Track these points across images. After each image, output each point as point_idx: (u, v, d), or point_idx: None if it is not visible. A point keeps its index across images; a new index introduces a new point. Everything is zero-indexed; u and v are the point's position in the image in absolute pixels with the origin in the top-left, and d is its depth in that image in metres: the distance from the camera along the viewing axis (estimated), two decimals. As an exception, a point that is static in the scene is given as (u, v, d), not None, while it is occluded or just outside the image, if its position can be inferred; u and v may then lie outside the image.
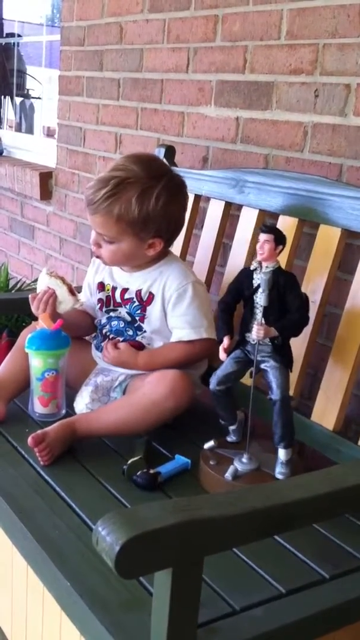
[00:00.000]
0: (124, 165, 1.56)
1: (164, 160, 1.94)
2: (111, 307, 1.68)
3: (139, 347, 1.63)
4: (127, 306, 1.64)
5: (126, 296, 1.65)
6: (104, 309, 1.69)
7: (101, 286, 1.70)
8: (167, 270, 1.62)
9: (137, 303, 1.63)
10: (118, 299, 1.66)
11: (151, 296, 1.62)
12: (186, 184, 1.63)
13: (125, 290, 1.65)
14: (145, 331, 1.63)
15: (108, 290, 1.68)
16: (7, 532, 1.33)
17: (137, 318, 1.63)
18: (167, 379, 1.50)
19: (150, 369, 1.56)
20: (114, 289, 1.67)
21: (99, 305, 1.70)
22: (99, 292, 1.71)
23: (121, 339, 1.64)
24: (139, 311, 1.63)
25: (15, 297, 1.86)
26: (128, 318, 1.64)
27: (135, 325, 1.63)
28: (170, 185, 1.56)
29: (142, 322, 1.63)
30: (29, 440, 1.43)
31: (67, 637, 1.17)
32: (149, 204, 1.52)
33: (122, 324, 1.65)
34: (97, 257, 1.63)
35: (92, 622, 1.03)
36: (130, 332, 1.64)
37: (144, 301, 1.62)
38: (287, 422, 1.34)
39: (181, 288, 1.59)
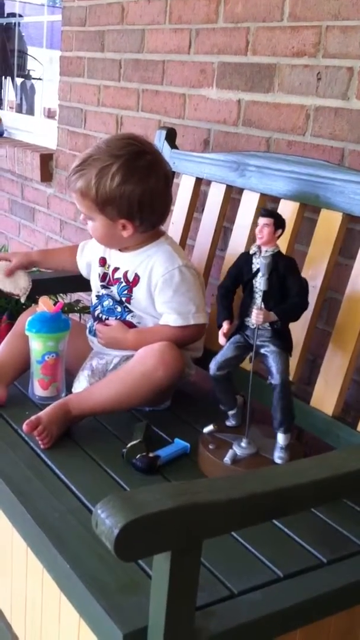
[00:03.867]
0: (98, 143, 1.60)
1: (161, 142, 1.94)
2: (106, 284, 1.69)
3: (130, 326, 1.64)
4: (116, 285, 1.65)
5: (116, 276, 1.66)
6: (100, 284, 1.70)
7: (103, 261, 1.71)
8: (155, 254, 1.61)
9: (124, 284, 1.64)
10: (113, 278, 1.68)
11: (137, 278, 1.62)
12: (161, 167, 1.60)
13: (116, 269, 1.67)
14: (133, 311, 1.64)
15: (107, 268, 1.69)
16: (7, 514, 1.33)
17: (123, 299, 1.64)
18: (155, 350, 1.50)
19: (139, 347, 1.55)
20: (115, 269, 1.67)
21: (98, 278, 1.72)
22: (99, 266, 1.72)
23: (112, 319, 1.65)
24: (125, 292, 1.63)
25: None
26: (118, 297, 1.65)
27: (124, 305, 1.64)
28: (128, 165, 1.53)
29: (129, 302, 1.63)
30: (24, 427, 1.43)
31: (66, 618, 1.18)
32: (105, 183, 1.53)
33: (111, 303, 1.66)
34: None
35: (91, 603, 1.04)
36: (120, 310, 1.65)
37: (130, 282, 1.63)
38: (287, 406, 1.34)
39: (167, 274, 1.58)
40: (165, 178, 1.61)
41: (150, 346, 1.51)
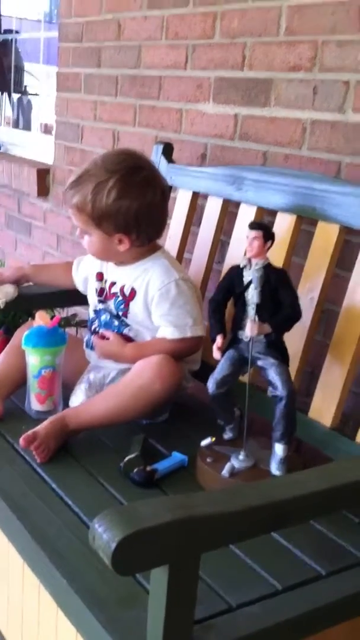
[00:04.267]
0: (94, 158, 1.60)
1: (158, 157, 1.94)
2: (103, 299, 1.69)
3: (127, 340, 1.64)
4: (113, 300, 1.65)
5: (112, 290, 1.66)
6: (97, 299, 1.70)
7: (100, 276, 1.71)
8: (152, 268, 1.61)
9: (120, 298, 1.64)
10: (110, 292, 1.67)
11: (133, 292, 1.62)
12: (157, 181, 1.60)
13: (112, 284, 1.67)
14: (130, 325, 1.63)
15: (105, 283, 1.69)
16: (3, 529, 1.32)
17: (120, 313, 1.63)
18: (152, 363, 1.50)
19: (136, 361, 1.55)
20: (112, 284, 1.67)
21: (95, 293, 1.72)
22: (96, 281, 1.72)
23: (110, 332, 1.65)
24: (122, 306, 1.63)
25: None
26: (115, 312, 1.65)
27: (121, 319, 1.64)
28: (125, 180, 1.54)
29: (125, 316, 1.63)
30: (20, 441, 1.43)
31: (63, 633, 1.16)
32: (102, 199, 1.53)
33: (108, 317, 1.66)
34: None
35: (88, 618, 1.03)
36: (117, 324, 1.65)
37: (126, 296, 1.63)
38: (292, 418, 1.34)
39: (163, 287, 1.58)
40: (161, 192, 1.61)
41: (148, 359, 1.51)
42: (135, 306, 1.62)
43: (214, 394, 1.41)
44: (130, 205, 1.54)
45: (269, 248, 1.35)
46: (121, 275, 1.65)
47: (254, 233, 1.34)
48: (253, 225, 1.35)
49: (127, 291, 1.63)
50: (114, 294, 1.65)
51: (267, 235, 1.34)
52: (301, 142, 1.71)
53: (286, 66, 1.73)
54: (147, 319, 1.62)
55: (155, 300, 1.58)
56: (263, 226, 1.36)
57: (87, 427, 1.52)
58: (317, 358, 1.54)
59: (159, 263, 1.62)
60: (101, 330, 1.67)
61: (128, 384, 1.51)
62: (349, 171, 1.60)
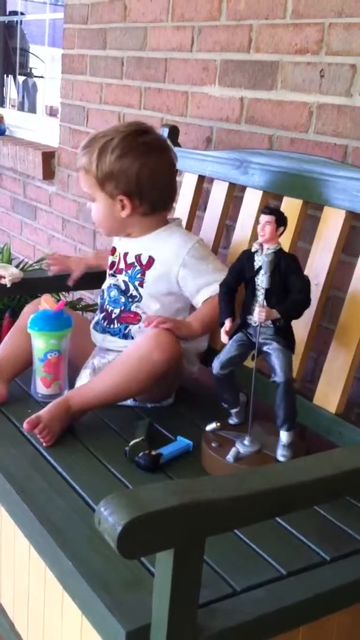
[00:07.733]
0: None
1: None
2: (113, 272, 1.71)
3: (135, 317, 1.64)
4: (129, 271, 1.66)
5: (128, 261, 1.67)
6: (109, 272, 1.73)
7: (113, 250, 1.74)
8: (170, 236, 1.65)
9: (137, 267, 1.65)
10: (122, 265, 1.68)
11: (151, 260, 1.64)
12: (164, 149, 1.66)
13: (126, 254, 1.68)
14: (139, 299, 1.64)
15: (117, 255, 1.71)
16: (9, 512, 1.33)
17: (136, 283, 1.64)
18: (149, 335, 1.50)
19: (206, 330, 1.59)
20: (125, 254, 1.69)
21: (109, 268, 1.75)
22: (110, 255, 1.75)
23: (117, 310, 1.66)
24: (139, 275, 1.64)
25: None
26: (122, 287, 1.66)
27: (128, 294, 1.65)
28: (128, 139, 1.59)
29: (142, 286, 1.64)
30: (25, 425, 1.43)
31: (69, 616, 1.18)
32: (105, 157, 1.58)
33: (116, 293, 1.67)
34: None
35: (93, 601, 1.03)
36: (123, 300, 1.66)
37: (143, 265, 1.64)
38: (290, 404, 1.34)
39: (192, 249, 1.62)
40: (168, 161, 1.65)
41: (145, 333, 1.52)
42: (152, 275, 1.63)
43: (217, 374, 1.41)
44: (132, 164, 1.58)
45: (281, 234, 1.35)
46: (135, 246, 1.67)
47: (266, 218, 1.33)
48: (266, 210, 1.34)
49: (144, 260, 1.64)
50: (131, 265, 1.66)
51: (280, 221, 1.33)
52: (307, 126, 1.70)
53: (293, 49, 1.72)
54: (159, 289, 1.63)
55: (190, 264, 1.61)
56: (276, 211, 1.35)
57: (91, 406, 1.52)
58: (321, 344, 1.54)
59: (175, 230, 1.67)
60: (110, 310, 1.67)
61: (127, 358, 1.50)
62: (356, 156, 1.59)
